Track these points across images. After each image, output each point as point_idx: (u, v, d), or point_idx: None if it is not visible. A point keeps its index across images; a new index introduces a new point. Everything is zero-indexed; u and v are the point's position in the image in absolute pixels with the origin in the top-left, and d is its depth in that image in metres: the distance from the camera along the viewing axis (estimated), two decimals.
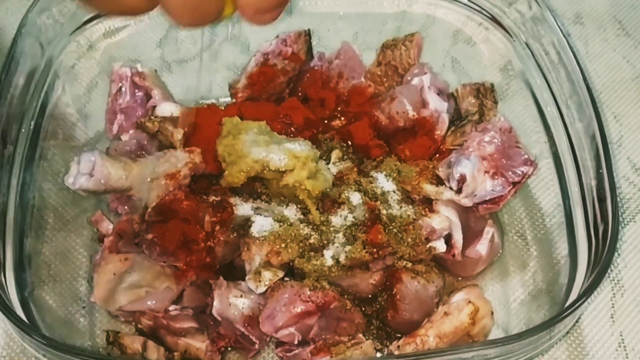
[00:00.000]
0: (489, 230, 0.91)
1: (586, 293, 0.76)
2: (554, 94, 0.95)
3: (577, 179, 0.89)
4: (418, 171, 0.92)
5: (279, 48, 0.99)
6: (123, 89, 1.00)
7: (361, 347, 0.83)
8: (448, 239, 0.90)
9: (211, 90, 1.08)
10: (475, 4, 1.05)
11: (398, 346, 0.83)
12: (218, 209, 0.88)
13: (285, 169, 0.85)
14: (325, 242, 0.86)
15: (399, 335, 0.86)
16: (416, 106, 0.98)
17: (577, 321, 0.91)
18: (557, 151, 0.94)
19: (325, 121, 1.02)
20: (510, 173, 0.90)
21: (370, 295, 0.88)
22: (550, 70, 0.95)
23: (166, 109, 0.97)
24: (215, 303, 0.83)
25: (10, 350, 0.88)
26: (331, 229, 0.87)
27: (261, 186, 0.91)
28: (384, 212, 0.89)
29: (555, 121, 0.95)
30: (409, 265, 0.87)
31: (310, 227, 0.87)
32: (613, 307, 0.93)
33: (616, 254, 0.97)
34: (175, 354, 0.84)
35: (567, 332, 0.90)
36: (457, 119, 1.01)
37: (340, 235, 0.87)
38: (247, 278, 0.85)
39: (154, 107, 0.99)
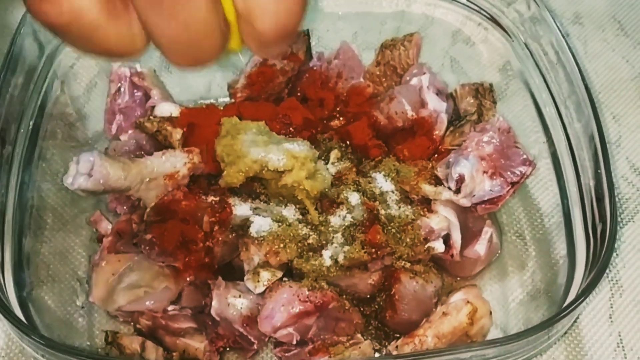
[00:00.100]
0: (488, 231, 0.91)
1: (584, 293, 0.75)
2: (552, 94, 0.95)
3: (576, 179, 0.89)
4: (417, 171, 0.92)
5: None
6: (122, 89, 1.00)
7: (359, 347, 0.83)
8: (446, 239, 0.90)
9: (210, 90, 1.08)
10: (474, 4, 1.05)
11: (396, 346, 0.83)
12: (217, 209, 0.88)
13: (284, 169, 0.84)
14: (324, 242, 0.86)
15: (398, 335, 0.86)
16: (415, 106, 0.98)
17: (575, 321, 0.91)
18: (556, 151, 0.93)
19: (324, 121, 1.01)
20: (508, 173, 0.90)
21: (368, 296, 0.88)
22: (549, 70, 0.95)
23: (165, 109, 0.97)
24: (213, 303, 0.83)
25: (9, 351, 0.88)
26: (330, 229, 0.87)
27: (260, 186, 0.91)
28: (383, 212, 0.89)
29: (554, 121, 0.95)
30: (408, 265, 0.87)
31: (309, 227, 0.87)
32: (611, 307, 0.93)
33: (614, 254, 0.97)
34: (174, 354, 0.84)
35: (566, 332, 0.89)
36: (456, 119, 1.00)
37: (339, 235, 0.87)
38: (245, 278, 0.85)
39: (153, 107, 0.99)
